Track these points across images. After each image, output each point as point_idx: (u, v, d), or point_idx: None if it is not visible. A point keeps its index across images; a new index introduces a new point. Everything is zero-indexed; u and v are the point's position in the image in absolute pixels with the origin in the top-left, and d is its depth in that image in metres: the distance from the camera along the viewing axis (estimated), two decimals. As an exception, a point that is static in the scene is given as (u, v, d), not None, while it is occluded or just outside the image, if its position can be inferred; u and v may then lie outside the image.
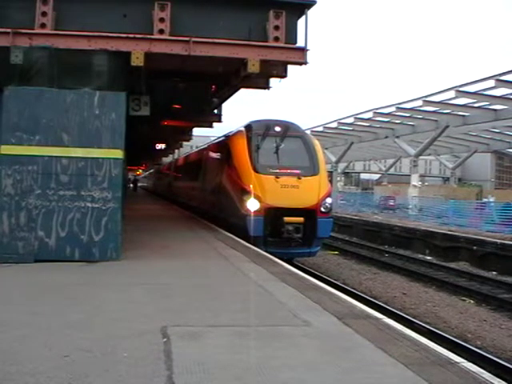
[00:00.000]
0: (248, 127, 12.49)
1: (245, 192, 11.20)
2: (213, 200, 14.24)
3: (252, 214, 10.82)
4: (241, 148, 12.00)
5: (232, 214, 12.07)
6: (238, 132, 12.85)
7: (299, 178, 11.38)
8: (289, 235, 11.03)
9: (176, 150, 35.31)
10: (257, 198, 10.98)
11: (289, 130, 12.06)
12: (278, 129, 12.05)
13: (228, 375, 3.35)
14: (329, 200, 11.60)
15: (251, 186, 11.09)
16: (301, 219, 11.11)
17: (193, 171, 19.03)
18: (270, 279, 6.72)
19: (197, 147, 24.83)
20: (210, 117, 17.87)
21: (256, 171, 11.40)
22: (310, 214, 11.21)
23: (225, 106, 17.17)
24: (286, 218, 11.00)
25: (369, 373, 3.50)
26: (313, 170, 11.72)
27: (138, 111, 10.67)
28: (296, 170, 11.52)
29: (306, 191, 11.35)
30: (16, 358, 3.48)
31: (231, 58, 8.67)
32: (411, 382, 3.38)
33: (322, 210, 11.35)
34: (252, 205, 10.93)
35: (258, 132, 12.02)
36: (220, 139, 15.20)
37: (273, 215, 11.04)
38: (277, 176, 11.29)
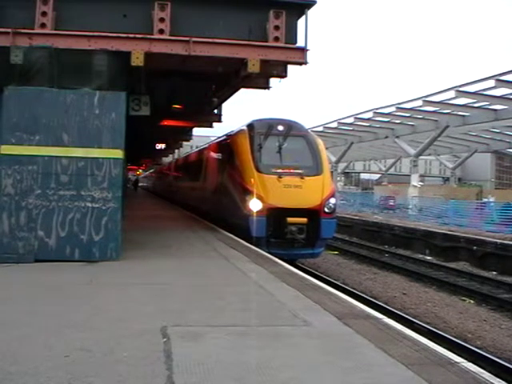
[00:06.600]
0: (250, 126, 12.31)
1: (247, 192, 11.07)
2: (214, 200, 14.14)
3: (254, 215, 10.68)
4: (243, 147, 11.84)
5: (234, 214, 11.93)
6: (241, 131, 12.67)
7: (302, 178, 11.21)
8: (292, 236, 10.84)
9: (176, 150, 35.32)
10: (259, 198, 10.85)
11: (292, 129, 11.85)
12: (280, 128, 11.83)
13: (228, 375, 3.35)
14: (332, 200, 11.43)
15: (254, 185, 10.97)
16: (304, 220, 10.92)
17: (194, 171, 18.94)
18: (270, 279, 6.71)
19: (197, 147, 24.81)
20: (210, 117, 17.85)
21: (258, 171, 11.25)
22: (313, 214, 11.02)
23: (225, 105, 17.17)
24: (289, 219, 10.83)
25: (369, 373, 3.49)
26: (316, 170, 11.55)
27: (138, 111, 10.65)
28: (299, 170, 11.35)
29: (310, 191, 11.18)
30: (16, 358, 3.48)
31: (231, 58, 8.66)
32: (411, 382, 3.38)
33: (326, 210, 11.16)
34: (254, 205, 10.79)
35: (260, 131, 11.84)
36: (222, 138, 15.02)
37: (275, 215, 10.84)
38: (280, 176, 11.14)
